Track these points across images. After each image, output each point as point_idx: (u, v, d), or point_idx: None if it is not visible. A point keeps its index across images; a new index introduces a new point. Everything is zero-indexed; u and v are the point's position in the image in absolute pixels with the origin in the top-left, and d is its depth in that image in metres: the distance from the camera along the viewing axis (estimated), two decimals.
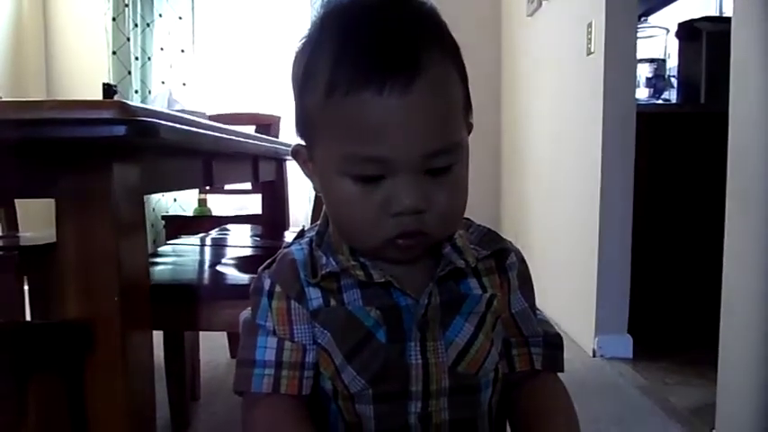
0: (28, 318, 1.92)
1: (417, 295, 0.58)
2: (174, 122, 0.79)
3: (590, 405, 1.74)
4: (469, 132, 0.60)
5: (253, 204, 2.91)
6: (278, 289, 0.59)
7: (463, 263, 0.60)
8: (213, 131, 0.98)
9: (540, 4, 2.91)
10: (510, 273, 0.64)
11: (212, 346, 2.10)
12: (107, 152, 0.78)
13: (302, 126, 0.59)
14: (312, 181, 0.61)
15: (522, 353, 0.63)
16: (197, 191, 3.22)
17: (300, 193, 3.38)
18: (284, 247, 0.63)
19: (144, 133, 0.67)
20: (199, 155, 1.22)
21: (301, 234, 0.65)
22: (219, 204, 3.38)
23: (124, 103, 0.68)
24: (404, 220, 0.54)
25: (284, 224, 2.29)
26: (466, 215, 0.65)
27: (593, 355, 2.22)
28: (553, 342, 0.64)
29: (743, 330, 1.39)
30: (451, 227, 0.59)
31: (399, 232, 0.54)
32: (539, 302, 0.67)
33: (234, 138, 1.19)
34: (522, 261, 0.65)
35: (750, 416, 1.35)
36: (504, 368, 0.63)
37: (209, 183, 1.30)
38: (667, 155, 2.42)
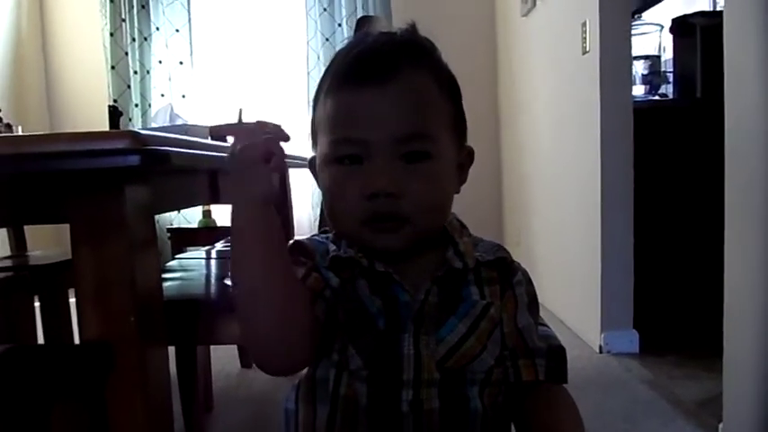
0: (40, 337, 1.94)
1: (417, 292, 0.62)
2: (184, 147, 0.81)
3: (597, 400, 1.76)
4: (471, 159, 0.66)
5: None
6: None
7: (461, 264, 0.64)
8: (219, 152, 1.00)
9: (534, 4, 2.93)
10: (517, 289, 0.67)
11: (223, 356, 2.12)
12: (119, 177, 0.80)
13: (311, 135, 0.67)
14: (318, 184, 0.67)
15: (527, 364, 0.66)
16: None
17: (303, 202, 3.41)
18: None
19: (156, 161, 0.70)
20: (205, 172, 1.24)
21: (324, 233, 0.70)
22: (224, 215, 3.40)
23: (136, 132, 0.70)
24: (377, 202, 0.59)
25: (290, 232, 2.31)
26: (472, 229, 0.68)
27: (600, 351, 2.24)
28: (557, 354, 0.67)
29: (746, 322, 1.41)
30: (431, 217, 0.63)
31: (372, 214, 0.60)
32: (545, 301, 0.70)
33: None
34: (530, 281, 0.69)
35: (757, 406, 1.37)
36: (510, 377, 0.66)
37: (216, 198, 1.33)
38: (666, 149, 2.44)
